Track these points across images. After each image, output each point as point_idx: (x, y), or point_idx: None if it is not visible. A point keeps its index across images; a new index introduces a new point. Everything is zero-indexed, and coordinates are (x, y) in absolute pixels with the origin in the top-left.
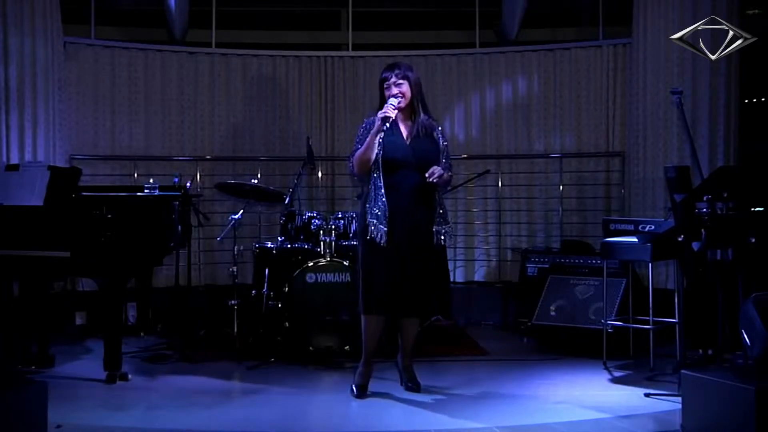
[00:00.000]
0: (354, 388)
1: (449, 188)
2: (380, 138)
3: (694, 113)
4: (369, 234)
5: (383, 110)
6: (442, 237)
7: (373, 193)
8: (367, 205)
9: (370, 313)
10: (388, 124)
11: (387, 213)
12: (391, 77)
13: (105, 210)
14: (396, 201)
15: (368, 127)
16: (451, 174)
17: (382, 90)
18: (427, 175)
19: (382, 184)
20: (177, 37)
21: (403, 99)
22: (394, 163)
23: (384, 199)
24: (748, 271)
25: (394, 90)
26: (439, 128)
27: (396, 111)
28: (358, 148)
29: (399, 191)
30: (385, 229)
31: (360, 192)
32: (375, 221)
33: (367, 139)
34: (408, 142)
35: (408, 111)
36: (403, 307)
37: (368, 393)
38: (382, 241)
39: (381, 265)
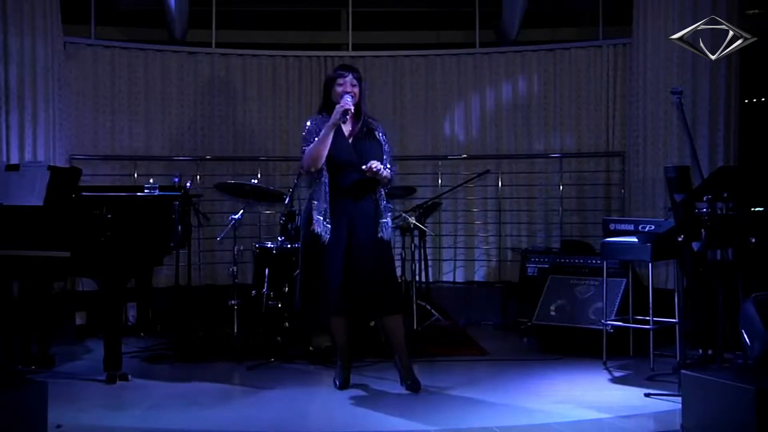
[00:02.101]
0: (335, 381)
1: (389, 187)
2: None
3: (694, 113)
4: (312, 229)
5: (341, 104)
6: (383, 231)
7: (320, 192)
8: (315, 202)
9: (328, 316)
10: (347, 117)
11: (329, 211)
12: (348, 76)
13: (105, 210)
14: (340, 200)
15: (316, 124)
16: (394, 172)
17: (327, 89)
18: (364, 168)
19: (327, 182)
20: (177, 37)
21: (355, 98)
22: (338, 162)
23: (329, 198)
24: (748, 271)
25: (350, 89)
26: (381, 128)
27: (351, 107)
28: (310, 145)
29: (343, 190)
30: (330, 226)
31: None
32: (321, 218)
33: (322, 132)
34: (351, 142)
35: (353, 112)
36: (368, 307)
37: (350, 384)
38: (326, 238)
39: (330, 266)
